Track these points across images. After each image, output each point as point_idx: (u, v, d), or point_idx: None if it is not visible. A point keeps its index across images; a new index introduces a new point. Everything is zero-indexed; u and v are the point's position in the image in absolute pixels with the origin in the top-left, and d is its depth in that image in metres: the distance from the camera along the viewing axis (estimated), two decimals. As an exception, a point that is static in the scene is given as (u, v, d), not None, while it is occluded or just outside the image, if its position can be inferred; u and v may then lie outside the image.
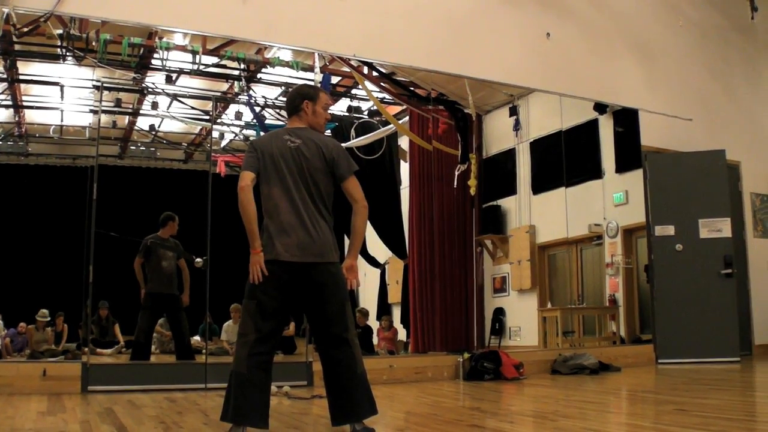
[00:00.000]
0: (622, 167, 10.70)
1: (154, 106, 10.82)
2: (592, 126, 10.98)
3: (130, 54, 8.71)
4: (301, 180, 4.19)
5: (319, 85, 7.94)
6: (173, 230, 8.85)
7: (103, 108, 10.23)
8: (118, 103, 10.90)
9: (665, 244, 9.71)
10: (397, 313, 12.21)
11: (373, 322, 11.72)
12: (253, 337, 4.04)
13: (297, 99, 4.39)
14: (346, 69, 9.36)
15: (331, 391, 4.19)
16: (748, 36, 11.82)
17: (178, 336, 8.80)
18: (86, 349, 7.30)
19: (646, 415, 5.25)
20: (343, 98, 11.58)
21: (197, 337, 10.85)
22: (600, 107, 10.43)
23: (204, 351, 8.51)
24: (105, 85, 9.71)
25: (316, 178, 4.22)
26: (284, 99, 10.67)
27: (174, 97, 10.65)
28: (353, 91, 11.37)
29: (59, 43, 7.88)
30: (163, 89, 10.30)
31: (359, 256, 11.41)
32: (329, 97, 4.61)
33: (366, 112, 11.67)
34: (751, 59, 11.85)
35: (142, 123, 11.86)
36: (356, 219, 4.31)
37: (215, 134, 11.88)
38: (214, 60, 9.25)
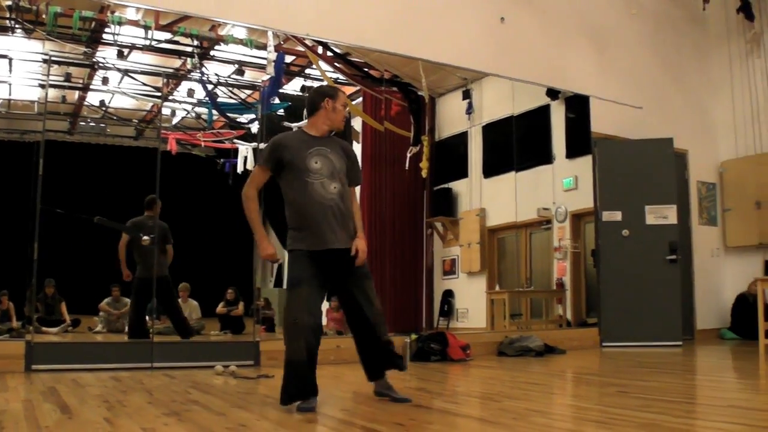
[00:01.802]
0: (572, 153, 10.81)
1: (105, 81, 10.65)
2: (544, 111, 11.06)
3: (81, 27, 8.56)
4: None
5: (272, 63, 7.89)
6: (157, 212, 8.71)
7: (52, 82, 10.05)
8: (67, 77, 10.71)
9: (612, 230, 9.85)
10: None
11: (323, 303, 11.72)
12: None
13: (318, 97, 4.71)
14: (301, 48, 9.31)
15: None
16: (699, 27, 12.00)
17: (175, 316, 8.86)
18: (30, 328, 7.20)
19: (589, 396, 5.34)
20: (297, 78, 11.52)
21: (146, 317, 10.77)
22: (552, 93, 10.51)
23: (151, 330, 8.45)
24: (54, 58, 9.53)
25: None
26: (237, 77, 10.66)
27: (125, 72, 10.49)
28: (307, 71, 11.31)
29: (8, 15, 7.72)
30: (114, 64, 10.15)
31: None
32: (346, 96, 4.86)
33: (319, 92, 11.62)
34: (703, 50, 12.03)
35: (93, 98, 11.66)
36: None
37: (167, 111, 11.74)
38: (167, 36, 9.13)
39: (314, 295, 4.53)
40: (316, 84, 11.32)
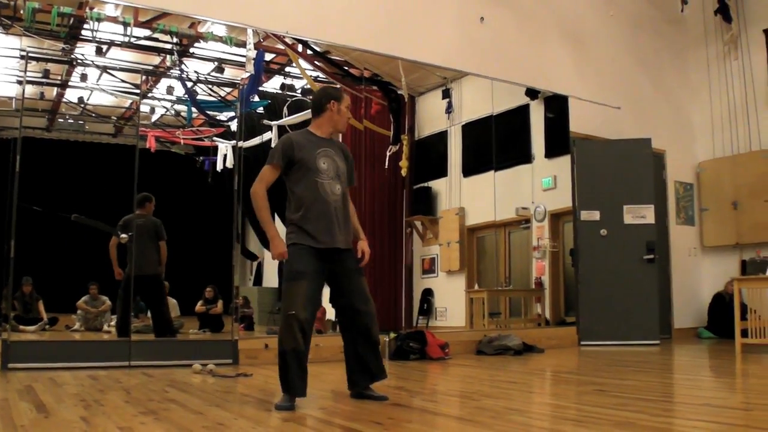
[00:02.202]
0: (551, 152, 10.86)
1: (84, 78, 10.61)
2: (523, 111, 11.11)
3: (59, 24, 8.51)
4: None
5: (252, 61, 7.87)
6: (150, 210, 8.67)
7: (30, 79, 10.00)
8: (46, 74, 10.65)
9: (590, 229, 9.89)
10: (326, 292, 12.20)
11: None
12: None
13: (324, 99, 4.80)
14: (281, 46, 9.30)
15: None
16: (678, 28, 12.08)
17: (159, 316, 8.75)
18: (7, 326, 7.14)
19: (566, 395, 5.36)
20: (277, 76, 11.50)
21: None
22: (532, 93, 10.55)
23: (129, 328, 8.40)
24: (32, 55, 9.47)
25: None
26: (216, 74, 10.63)
27: (104, 69, 10.45)
28: (287, 69, 11.30)
29: (-15, 11, 7.66)
30: (93, 61, 10.10)
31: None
32: (350, 99, 5.03)
33: (299, 91, 11.62)
34: (680, 51, 12.11)
35: (71, 95, 11.61)
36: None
37: (146, 108, 11.69)
38: (146, 33, 9.09)
39: (314, 290, 4.60)
40: (296, 82, 11.33)
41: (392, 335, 7.98)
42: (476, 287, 11.30)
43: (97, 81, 10.77)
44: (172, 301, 10.93)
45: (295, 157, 4.62)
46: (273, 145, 10.94)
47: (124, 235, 7.48)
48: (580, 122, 10.30)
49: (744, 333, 8.42)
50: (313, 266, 4.55)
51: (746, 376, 6.52)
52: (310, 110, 10.82)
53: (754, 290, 8.74)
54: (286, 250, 4.58)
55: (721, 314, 10.51)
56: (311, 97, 4.95)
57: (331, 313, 11.31)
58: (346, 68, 10.50)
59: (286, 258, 4.56)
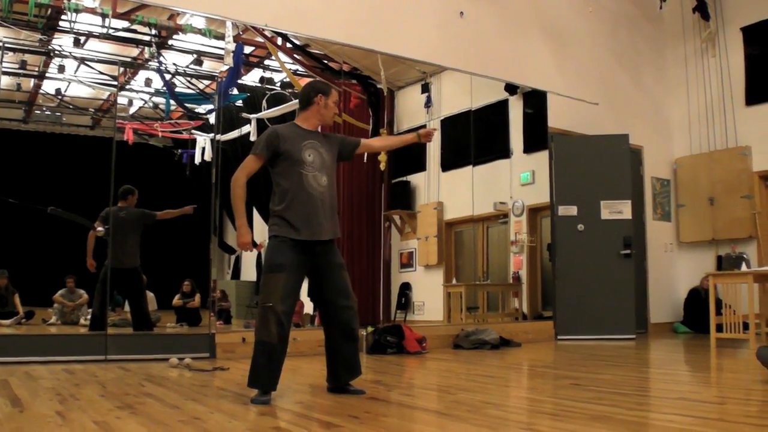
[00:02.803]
0: (529, 148, 10.90)
1: (61, 69, 10.53)
2: (502, 106, 11.14)
3: (36, 14, 8.45)
4: None
5: (231, 54, 7.84)
6: (133, 203, 8.66)
7: (7, 70, 9.91)
8: (23, 65, 10.57)
9: (568, 224, 9.94)
10: (304, 287, 12.18)
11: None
12: None
13: (311, 92, 4.80)
14: (260, 39, 9.27)
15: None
16: (656, 25, 12.15)
17: (138, 310, 8.72)
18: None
19: (543, 389, 5.39)
20: (256, 69, 11.46)
21: (101, 309, 10.65)
22: (511, 88, 10.58)
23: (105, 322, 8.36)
24: (9, 45, 9.39)
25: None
26: (195, 67, 10.58)
27: (82, 61, 10.37)
28: (266, 62, 11.26)
29: (-40, 0, 7.58)
30: (70, 52, 10.03)
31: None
32: (338, 93, 5.02)
33: (278, 84, 11.59)
34: (659, 48, 12.18)
35: (48, 87, 11.53)
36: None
37: (124, 101, 11.63)
38: (125, 24, 9.03)
39: (293, 283, 4.58)
40: (275, 75, 11.30)
41: (370, 329, 7.98)
42: (454, 281, 11.33)
43: (75, 72, 10.69)
44: (150, 295, 10.87)
45: (280, 149, 4.63)
46: (252, 138, 10.95)
47: (100, 228, 7.43)
48: (558, 118, 10.35)
49: (719, 328, 8.50)
50: (293, 259, 4.55)
51: (721, 371, 6.58)
52: (288, 103, 10.86)
53: (729, 286, 8.82)
54: (250, 241, 4.63)
55: (697, 309, 10.61)
56: (300, 90, 4.95)
57: (309, 307, 11.31)
58: (325, 62, 10.48)
59: (249, 249, 4.65)
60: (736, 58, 11.26)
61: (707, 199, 11.31)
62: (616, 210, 9.92)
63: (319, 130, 4.94)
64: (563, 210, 10.00)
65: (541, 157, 10.42)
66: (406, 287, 11.86)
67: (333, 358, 4.75)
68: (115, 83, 10.74)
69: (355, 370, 4.75)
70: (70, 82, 11.19)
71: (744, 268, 8.89)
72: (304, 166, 4.62)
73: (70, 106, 12.08)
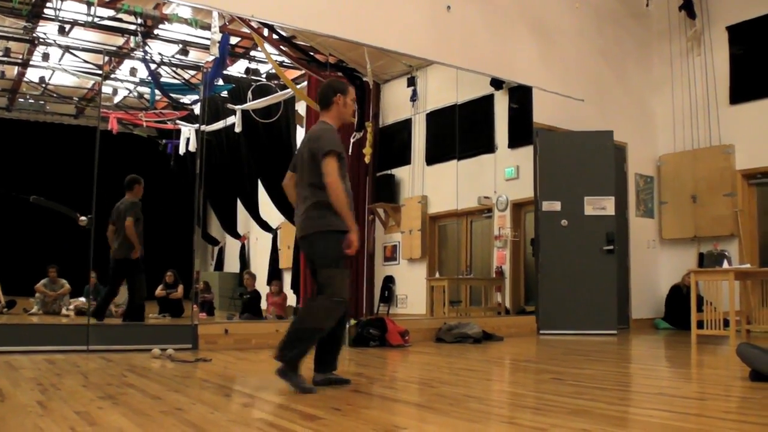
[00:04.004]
0: (514, 143, 10.92)
1: (45, 57, 10.46)
2: (487, 101, 11.14)
3: (21, 1, 8.39)
4: (301, 167, 4.82)
5: (217, 44, 7.81)
6: (140, 193, 8.73)
7: (-9, 57, 9.84)
8: (6, 52, 10.50)
9: (551, 219, 9.97)
10: (287, 279, 12.20)
11: (263, 287, 11.69)
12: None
13: (330, 92, 4.90)
14: (246, 30, 9.23)
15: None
16: (642, 22, 12.19)
17: (132, 299, 8.87)
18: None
19: (524, 383, 5.41)
20: (242, 60, 11.43)
21: (82, 299, 10.62)
22: (496, 83, 10.59)
23: (87, 312, 8.34)
24: (-8, 33, 9.32)
25: (306, 165, 4.76)
26: (181, 57, 10.53)
27: (66, 49, 10.31)
28: (252, 53, 11.23)
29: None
30: (55, 40, 9.96)
31: (253, 220, 11.05)
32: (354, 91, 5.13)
33: (264, 75, 11.57)
34: (644, 45, 12.23)
35: (32, 75, 11.45)
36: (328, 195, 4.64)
37: (109, 90, 11.57)
38: (111, 13, 8.98)
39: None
40: (261, 67, 11.26)
41: (353, 322, 7.98)
42: (437, 275, 11.34)
43: (59, 61, 10.63)
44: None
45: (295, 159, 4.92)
46: (237, 129, 10.93)
47: (83, 218, 7.38)
48: (543, 113, 10.37)
49: (700, 324, 8.56)
50: None
51: (701, 367, 6.63)
52: (274, 95, 10.83)
53: (711, 283, 8.88)
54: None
55: (678, 306, 10.67)
56: (319, 90, 4.99)
57: (292, 300, 11.32)
58: (311, 54, 10.45)
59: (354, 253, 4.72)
60: (721, 56, 11.32)
61: (690, 197, 11.38)
62: (600, 206, 9.96)
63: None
64: (547, 205, 10.02)
65: (526, 153, 10.44)
66: (389, 280, 11.87)
67: (327, 346, 4.77)
68: (100, 72, 10.68)
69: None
70: (54, 71, 11.13)
71: (725, 265, 8.94)
72: (344, 165, 4.76)
73: (55, 95, 12.01)
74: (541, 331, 9.83)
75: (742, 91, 11.02)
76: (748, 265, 9.35)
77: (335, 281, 4.64)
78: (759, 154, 10.70)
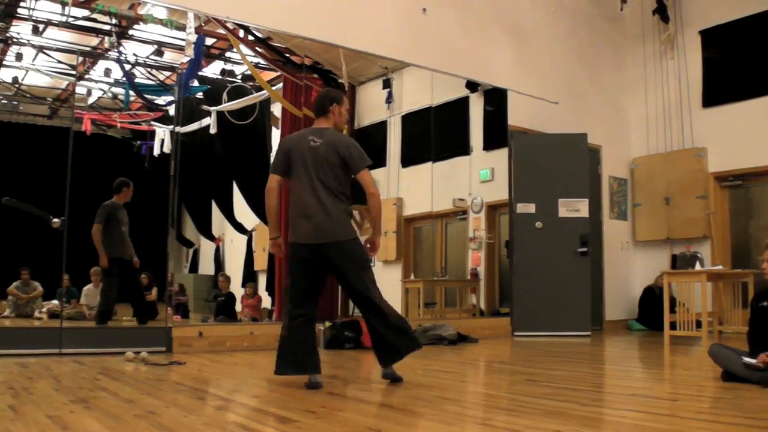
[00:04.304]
0: (489, 145, 10.95)
1: (19, 57, 10.36)
2: (463, 103, 11.17)
3: (-6, 1, 8.30)
4: (320, 173, 4.92)
5: (192, 45, 7.77)
6: (128, 196, 8.78)
7: (-39, 57, 9.74)
8: (-21, 52, 10.39)
9: (526, 222, 10.01)
10: (262, 281, 12.16)
11: (238, 289, 11.64)
12: (290, 306, 4.97)
13: (327, 102, 5.14)
14: (222, 31, 9.19)
15: (373, 342, 5.14)
16: (616, 26, 12.27)
17: (138, 299, 8.99)
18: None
19: (499, 384, 5.44)
20: (217, 61, 11.38)
21: (55, 301, 10.54)
22: (472, 85, 10.61)
23: (60, 315, 8.28)
24: (-36, 32, 9.22)
25: (331, 172, 4.93)
26: (156, 58, 10.46)
27: (40, 49, 10.22)
28: (227, 54, 11.18)
29: None
30: (28, 40, 9.88)
31: (228, 222, 11.04)
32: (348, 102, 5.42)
33: (239, 77, 11.52)
34: (619, 48, 12.31)
35: (5, 75, 11.34)
36: (369, 205, 5.05)
37: (83, 91, 11.49)
38: (85, 13, 8.91)
39: None
40: (236, 68, 11.23)
41: (327, 324, 7.98)
42: (412, 277, 11.35)
43: (33, 61, 10.53)
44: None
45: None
46: (213, 131, 10.88)
47: (56, 220, 7.31)
48: (518, 116, 10.41)
49: (673, 325, 8.63)
50: (296, 263, 5.03)
51: (674, 367, 6.68)
52: (249, 96, 10.79)
53: (683, 284, 8.95)
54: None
55: (651, 307, 10.74)
56: (316, 98, 5.27)
57: (267, 302, 11.28)
58: (287, 55, 10.42)
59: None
60: (694, 60, 11.42)
61: (663, 199, 11.46)
62: (574, 208, 10.02)
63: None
64: (522, 207, 10.06)
65: (501, 155, 10.48)
66: (365, 282, 11.85)
67: (373, 347, 5.20)
68: (74, 73, 10.60)
69: (390, 354, 5.17)
70: (27, 71, 11.02)
71: (698, 267, 9.02)
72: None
73: (28, 95, 11.91)
74: (516, 333, 9.87)
75: (714, 94, 11.13)
76: (720, 267, 9.44)
77: (374, 280, 5.05)
78: (731, 157, 10.81)
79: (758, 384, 4.72)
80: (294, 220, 4.99)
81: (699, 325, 8.43)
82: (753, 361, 4.85)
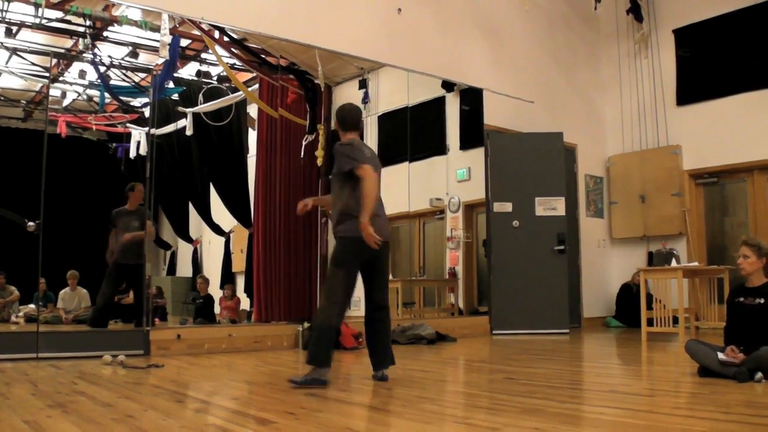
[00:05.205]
0: (466, 145, 10.96)
1: (-8, 60, 10.29)
2: (439, 103, 11.17)
3: (-34, 4, 8.23)
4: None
5: (167, 47, 7.73)
6: (138, 199, 8.67)
7: (-66, 59, 9.65)
8: (-48, 55, 10.30)
9: (503, 220, 10.05)
10: (241, 282, 12.12)
11: (216, 291, 11.60)
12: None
13: (359, 117, 5.62)
14: (197, 32, 9.15)
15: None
16: (591, 25, 12.35)
17: (138, 306, 8.74)
18: None
19: (478, 383, 5.45)
20: (192, 62, 11.33)
21: (31, 305, 10.46)
22: (448, 85, 10.62)
23: (37, 319, 8.21)
24: (-65, 34, 9.13)
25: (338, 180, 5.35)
26: (131, 59, 10.40)
27: (14, 51, 10.15)
28: (203, 56, 11.14)
29: None
30: (2, 42, 9.80)
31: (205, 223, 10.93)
32: None
33: (215, 78, 11.49)
34: (593, 48, 12.39)
35: (-22, 78, 11.25)
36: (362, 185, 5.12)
37: (57, 93, 11.41)
38: (59, 14, 8.84)
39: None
40: (212, 69, 11.19)
41: (306, 325, 7.97)
42: (390, 277, 11.34)
43: (6, 63, 10.44)
44: (83, 291, 10.71)
45: None
46: (189, 132, 10.83)
47: (31, 224, 7.25)
48: (494, 115, 10.44)
49: (650, 322, 8.68)
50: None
51: (651, 364, 6.73)
52: (224, 98, 10.75)
53: (660, 281, 9.02)
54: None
55: (628, 304, 10.81)
56: (347, 112, 5.61)
57: (245, 303, 11.25)
58: (263, 56, 10.39)
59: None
60: (667, 59, 11.52)
61: (639, 197, 11.55)
62: (550, 207, 10.07)
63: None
64: (498, 206, 10.09)
65: (477, 154, 10.51)
66: (342, 283, 11.83)
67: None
68: (48, 75, 10.52)
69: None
70: (1, 73, 10.93)
71: (674, 263, 9.08)
72: None
73: (1, 98, 11.81)
74: (494, 331, 9.90)
75: (688, 92, 11.23)
76: (696, 264, 9.51)
77: (331, 276, 5.36)
78: (705, 154, 10.91)
79: (734, 379, 4.77)
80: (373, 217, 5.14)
81: (676, 321, 8.49)
82: (727, 357, 4.91)
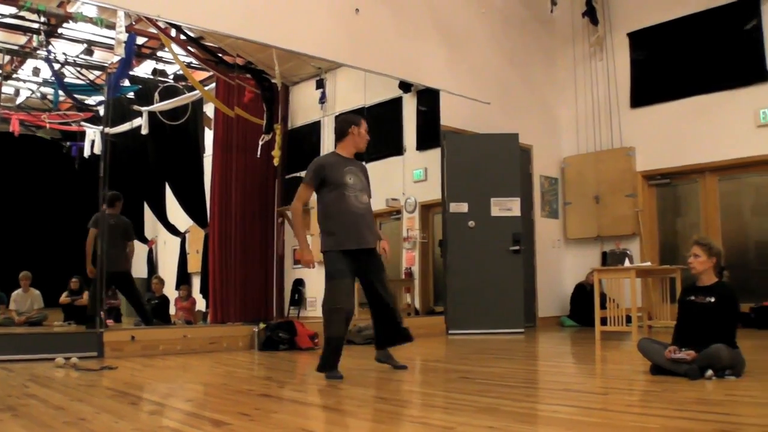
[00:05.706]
0: (422, 145, 11.00)
1: (-56, 56, 10.10)
2: (396, 103, 11.20)
3: None
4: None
5: (123, 44, 7.65)
6: (119, 209, 8.95)
7: None
8: None
9: (459, 221, 10.11)
10: (196, 283, 12.03)
11: (171, 292, 11.50)
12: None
13: (345, 126, 5.79)
14: (153, 30, 9.06)
15: None
16: (547, 28, 12.46)
17: (139, 307, 9.18)
18: None
19: (433, 383, 5.47)
20: (148, 60, 11.22)
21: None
22: (405, 86, 10.66)
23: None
24: None
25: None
26: (86, 57, 10.28)
27: (-35, 48, 9.98)
28: (159, 54, 11.04)
29: None
30: (-48, 39, 9.64)
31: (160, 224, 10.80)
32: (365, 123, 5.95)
33: (171, 76, 11.39)
34: (549, 50, 12.50)
35: (-70, 75, 11.03)
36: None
37: (10, 90, 11.23)
38: (12, 10, 8.70)
39: (351, 285, 5.52)
40: (168, 67, 11.09)
41: (262, 325, 7.95)
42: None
43: (-41, 60, 10.27)
44: (35, 293, 10.57)
45: (326, 177, 5.53)
46: (144, 131, 10.73)
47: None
48: (450, 116, 10.50)
49: (603, 321, 8.78)
50: (347, 266, 5.46)
51: (605, 362, 6.80)
52: (180, 97, 10.68)
53: (613, 281, 9.13)
54: (313, 258, 5.58)
55: (583, 303, 10.93)
56: (335, 125, 5.92)
57: (201, 304, 11.18)
58: (219, 55, 10.33)
59: (313, 266, 5.63)
60: (622, 62, 11.67)
61: (593, 198, 11.68)
62: (506, 207, 10.14)
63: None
64: (454, 207, 10.15)
65: (434, 155, 10.55)
66: (299, 283, 11.80)
67: (380, 329, 6.01)
68: (1, 72, 10.36)
69: (405, 336, 6.07)
70: (-49, 70, 10.75)
71: (627, 263, 9.21)
72: (347, 188, 5.54)
73: (-47, 96, 11.60)
74: (450, 331, 9.95)
75: (642, 95, 11.40)
76: (649, 263, 9.64)
77: (330, 291, 5.54)
78: (658, 156, 11.08)
79: (685, 376, 4.84)
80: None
81: (629, 320, 8.60)
82: (678, 355, 4.98)
